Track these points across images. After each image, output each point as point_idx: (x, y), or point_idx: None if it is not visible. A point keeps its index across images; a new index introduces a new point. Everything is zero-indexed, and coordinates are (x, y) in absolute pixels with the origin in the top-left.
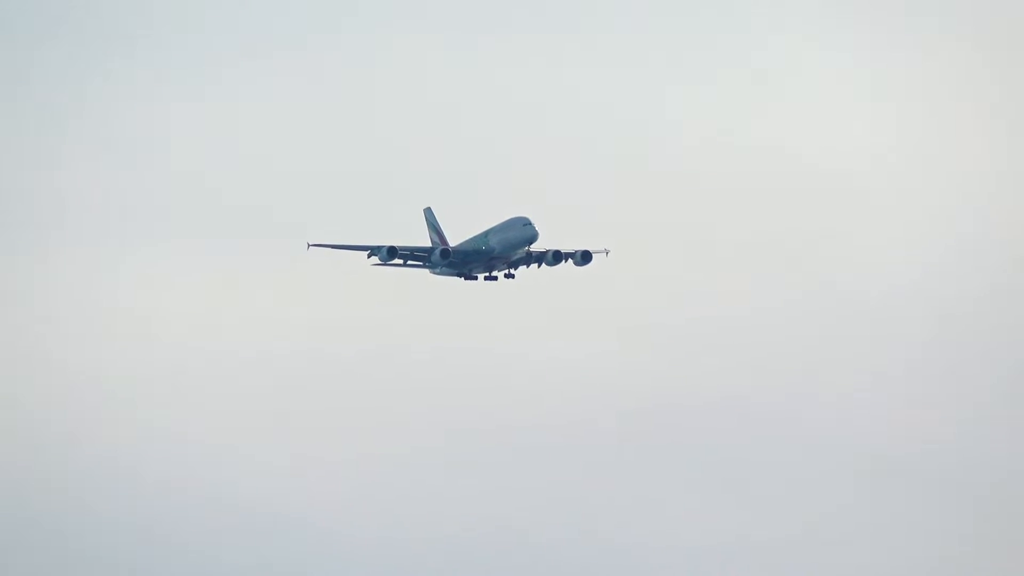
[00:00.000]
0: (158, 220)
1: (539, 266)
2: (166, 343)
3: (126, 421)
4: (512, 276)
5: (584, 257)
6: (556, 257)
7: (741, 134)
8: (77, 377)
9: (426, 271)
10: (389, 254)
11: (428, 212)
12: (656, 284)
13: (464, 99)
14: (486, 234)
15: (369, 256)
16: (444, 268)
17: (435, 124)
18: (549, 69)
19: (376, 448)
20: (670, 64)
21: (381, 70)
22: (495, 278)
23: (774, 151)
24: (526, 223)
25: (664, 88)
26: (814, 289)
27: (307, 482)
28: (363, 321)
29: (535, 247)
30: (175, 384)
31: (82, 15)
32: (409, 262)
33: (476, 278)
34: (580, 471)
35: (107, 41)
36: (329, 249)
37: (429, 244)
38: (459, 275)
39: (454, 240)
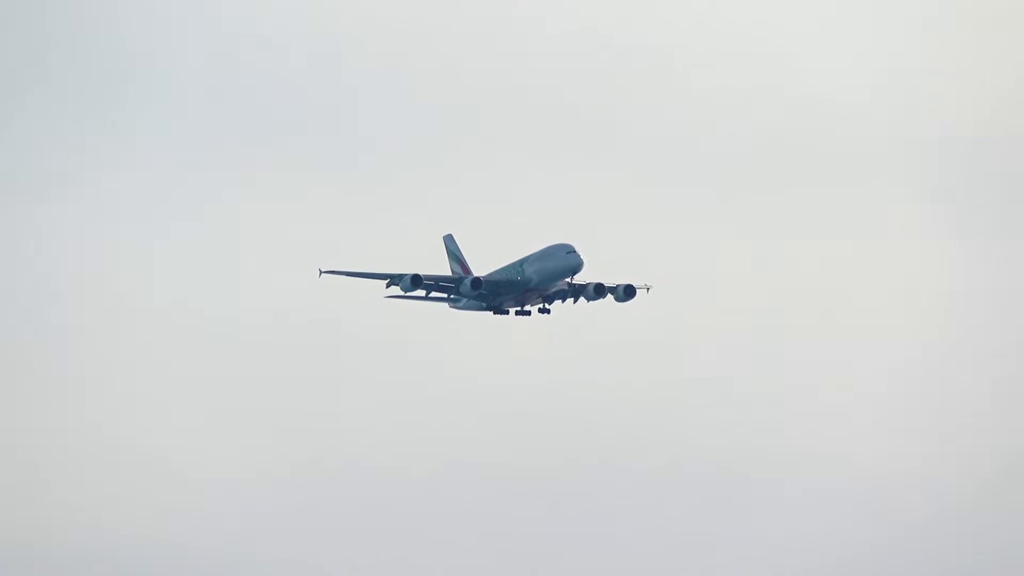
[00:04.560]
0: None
1: (575, 301)
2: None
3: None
4: (547, 311)
5: (627, 292)
6: (598, 291)
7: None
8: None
9: (445, 305)
10: (413, 283)
11: (449, 239)
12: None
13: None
14: (522, 263)
15: (388, 286)
16: (471, 301)
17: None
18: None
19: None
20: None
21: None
22: (528, 313)
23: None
24: (570, 251)
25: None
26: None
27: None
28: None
29: (576, 279)
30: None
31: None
32: (432, 293)
33: (507, 312)
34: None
35: None
36: (343, 277)
37: (450, 274)
38: (488, 309)
39: (477, 270)
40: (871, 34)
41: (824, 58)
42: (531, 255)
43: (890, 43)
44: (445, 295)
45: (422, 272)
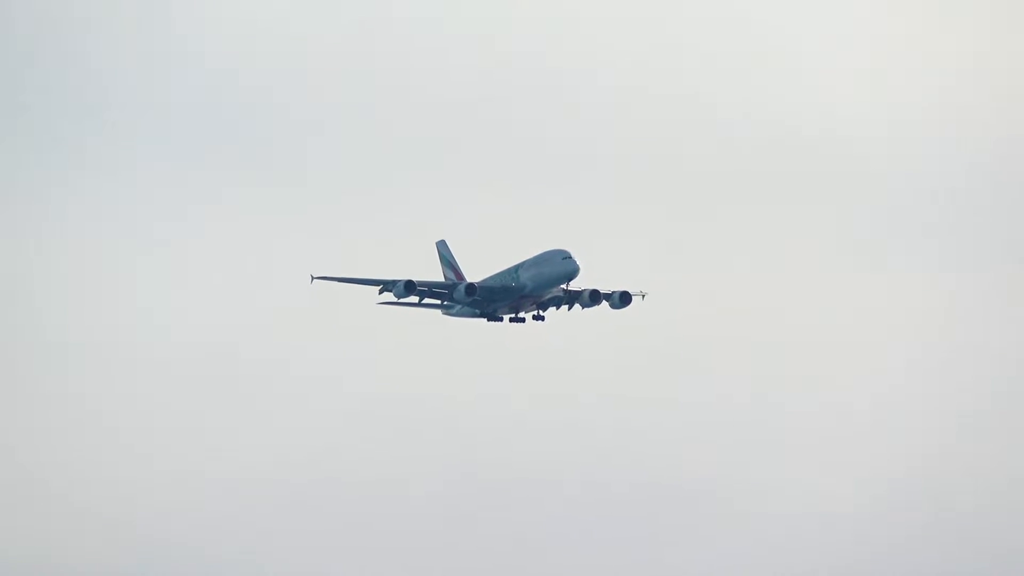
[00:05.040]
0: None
1: (570, 308)
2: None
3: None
4: (542, 318)
5: (623, 299)
6: (593, 298)
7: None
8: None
9: (438, 312)
10: (407, 289)
11: (442, 245)
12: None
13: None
14: (517, 268)
15: (381, 292)
16: (464, 308)
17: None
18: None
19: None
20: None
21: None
22: (522, 320)
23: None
24: (566, 256)
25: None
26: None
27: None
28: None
29: (571, 285)
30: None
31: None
32: (425, 300)
33: (501, 319)
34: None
35: None
36: (335, 283)
37: (443, 280)
38: (481, 315)
39: (471, 276)
40: (871, 45)
41: (822, 69)
42: (526, 261)
43: (889, 52)
44: (439, 301)
45: (416, 278)
